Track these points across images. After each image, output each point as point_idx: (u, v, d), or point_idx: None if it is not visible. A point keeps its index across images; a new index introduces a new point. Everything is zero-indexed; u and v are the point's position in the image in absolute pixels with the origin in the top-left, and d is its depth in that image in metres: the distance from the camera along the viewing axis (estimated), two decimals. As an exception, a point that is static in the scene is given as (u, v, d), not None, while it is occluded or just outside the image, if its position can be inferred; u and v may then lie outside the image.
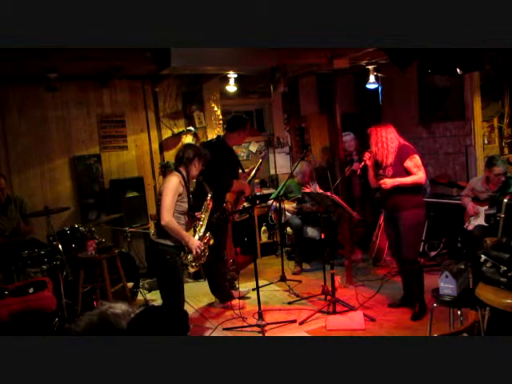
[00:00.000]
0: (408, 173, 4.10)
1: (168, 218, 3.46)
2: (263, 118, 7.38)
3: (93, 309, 1.84)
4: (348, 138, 6.26)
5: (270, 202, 5.98)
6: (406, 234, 4.14)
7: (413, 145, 4.29)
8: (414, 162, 4.08)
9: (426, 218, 4.29)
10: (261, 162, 5.25)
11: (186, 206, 3.65)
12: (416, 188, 4.14)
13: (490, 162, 4.78)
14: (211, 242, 3.86)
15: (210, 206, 3.94)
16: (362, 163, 4.32)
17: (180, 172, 3.66)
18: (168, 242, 3.55)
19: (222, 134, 5.86)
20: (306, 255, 6.07)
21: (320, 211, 5.04)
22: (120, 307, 1.74)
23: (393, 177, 4.12)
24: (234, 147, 4.97)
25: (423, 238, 5.80)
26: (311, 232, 5.98)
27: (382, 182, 4.17)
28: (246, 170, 5.12)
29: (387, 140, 4.13)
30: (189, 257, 3.67)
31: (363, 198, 6.34)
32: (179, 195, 3.56)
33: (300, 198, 6.13)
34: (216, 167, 4.37)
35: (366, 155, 4.28)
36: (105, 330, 1.80)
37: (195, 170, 3.73)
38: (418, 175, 4.07)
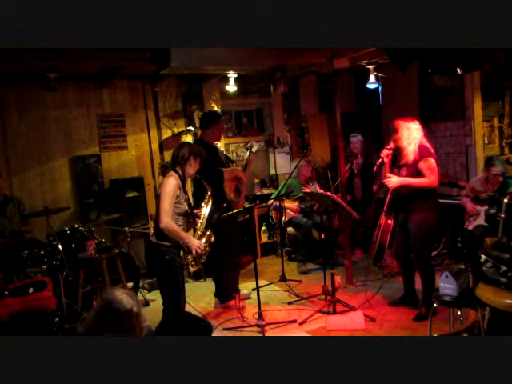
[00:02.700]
0: (421, 175, 4.03)
1: (166, 220, 3.44)
2: (263, 117, 7.38)
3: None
4: (354, 140, 6.24)
5: (271, 201, 5.98)
6: (418, 236, 4.09)
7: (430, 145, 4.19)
8: (428, 165, 3.99)
9: (436, 223, 4.18)
10: (249, 153, 5.18)
11: (183, 207, 3.63)
12: (429, 191, 4.06)
13: (488, 163, 4.78)
14: (212, 239, 3.85)
15: (210, 204, 3.93)
16: (380, 160, 4.20)
17: (176, 172, 3.65)
18: (167, 243, 3.54)
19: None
20: (311, 255, 6.06)
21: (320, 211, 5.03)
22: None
23: (406, 177, 4.06)
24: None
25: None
26: (314, 232, 5.98)
27: (386, 181, 4.09)
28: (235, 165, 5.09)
29: (415, 139, 4.05)
30: (188, 257, 3.67)
31: (365, 200, 6.32)
32: (176, 197, 3.55)
33: (303, 197, 6.13)
34: (204, 167, 4.36)
35: (384, 152, 4.17)
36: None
37: (191, 168, 3.70)
38: (430, 178, 3.98)
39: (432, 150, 4.11)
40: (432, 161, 4.03)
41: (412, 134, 4.06)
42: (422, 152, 4.04)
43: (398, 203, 4.25)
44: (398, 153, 4.18)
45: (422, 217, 4.07)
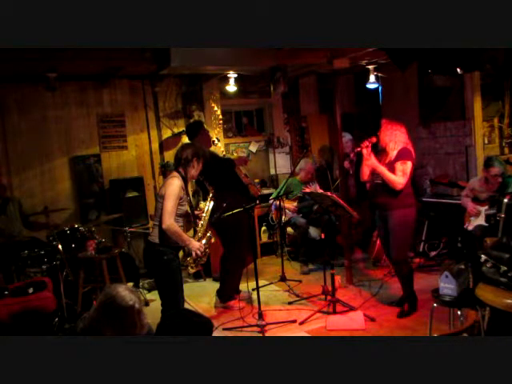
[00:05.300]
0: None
1: (169, 221, 3.43)
2: (263, 117, 7.38)
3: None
4: (344, 140, 6.25)
5: (271, 201, 5.97)
6: (393, 233, 4.17)
7: (413, 147, 4.27)
8: (403, 167, 4.07)
9: (416, 220, 4.29)
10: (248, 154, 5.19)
11: (184, 208, 3.63)
12: (408, 188, 4.13)
13: (487, 163, 4.78)
14: (212, 240, 3.85)
15: (212, 204, 3.94)
16: (358, 148, 4.25)
17: (179, 173, 3.64)
18: (165, 243, 3.54)
19: (217, 135, 5.95)
20: (311, 255, 6.05)
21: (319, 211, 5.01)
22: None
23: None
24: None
25: (423, 238, 5.82)
26: (313, 232, 5.98)
27: (368, 157, 4.15)
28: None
29: (400, 141, 4.15)
30: (188, 259, 3.67)
31: (360, 198, 6.32)
32: (180, 198, 3.54)
33: (301, 197, 6.13)
34: (212, 164, 4.37)
35: (365, 143, 4.21)
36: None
37: (194, 170, 3.69)
38: (398, 179, 4.05)
39: (414, 156, 4.19)
40: (409, 165, 4.10)
41: (398, 136, 4.15)
42: (404, 155, 4.13)
43: (376, 200, 4.33)
44: (381, 152, 4.26)
45: (401, 214, 4.13)
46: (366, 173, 4.35)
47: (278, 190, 6.20)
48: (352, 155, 4.51)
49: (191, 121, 6.12)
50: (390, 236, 4.21)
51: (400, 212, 4.12)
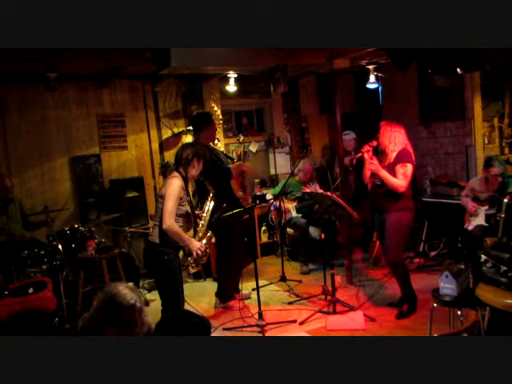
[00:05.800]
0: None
1: (170, 221, 3.43)
2: (263, 117, 7.38)
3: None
4: (347, 138, 6.25)
5: (270, 200, 5.97)
6: (389, 235, 4.19)
7: (413, 147, 4.28)
8: (404, 170, 4.09)
9: (411, 223, 4.33)
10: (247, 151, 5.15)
11: (185, 208, 3.63)
12: (406, 191, 4.14)
13: (487, 163, 4.79)
14: (213, 240, 3.85)
15: (212, 204, 3.94)
16: (359, 154, 4.28)
17: (180, 173, 3.64)
18: (166, 243, 3.53)
19: (217, 135, 5.89)
20: (311, 255, 6.05)
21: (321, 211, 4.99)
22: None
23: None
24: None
25: (423, 238, 5.82)
26: (312, 232, 5.98)
27: (372, 161, 4.16)
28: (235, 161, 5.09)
29: (399, 143, 4.16)
30: (189, 259, 3.67)
31: (359, 197, 6.32)
32: (180, 198, 3.54)
33: (301, 197, 6.13)
34: (211, 168, 4.35)
35: (366, 147, 4.24)
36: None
37: (194, 170, 3.68)
38: (400, 182, 4.07)
39: (413, 157, 4.20)
40: (409, 167, 4.11)
41: (398, 137, 4.16)
42: (404, 156, 4.14)
43: (374, 202, 4.34)
44: (381, 155, 4.27)
45: (396, 217, 4.15)
46: (367, 175, 4.36)
47: (277, 189, 6.21)
48: (354, 160, 4.50)
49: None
50: (385, 238, 4.23)
51: (396, 215, 4.14)
